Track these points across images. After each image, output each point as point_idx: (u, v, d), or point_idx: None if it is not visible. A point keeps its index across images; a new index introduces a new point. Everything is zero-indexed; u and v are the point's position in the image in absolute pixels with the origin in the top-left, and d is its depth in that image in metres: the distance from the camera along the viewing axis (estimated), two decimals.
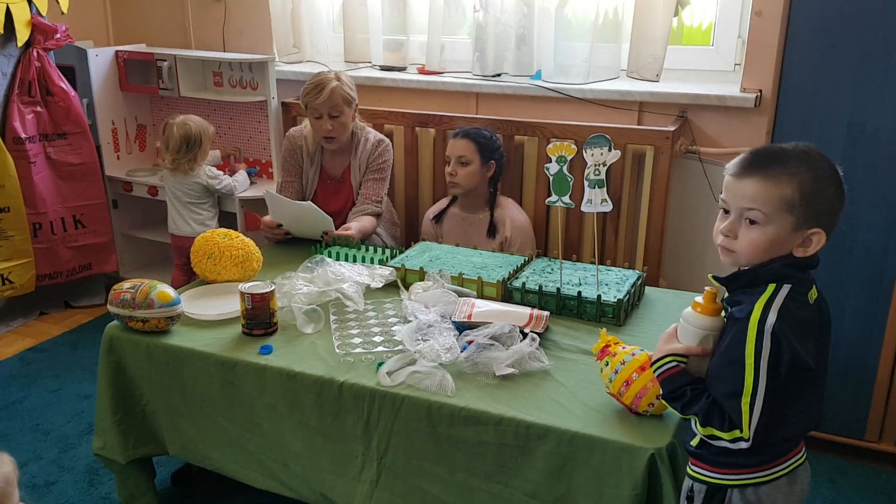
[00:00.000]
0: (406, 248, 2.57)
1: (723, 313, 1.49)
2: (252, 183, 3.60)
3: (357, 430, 1.83)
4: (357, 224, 2.78)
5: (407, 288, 2.27)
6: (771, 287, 1.41)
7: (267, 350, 1.96)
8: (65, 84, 3.47)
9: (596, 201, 2.16)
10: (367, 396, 1.80)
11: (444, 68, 3.42)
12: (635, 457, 1.55)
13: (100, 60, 3.69)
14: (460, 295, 2.16)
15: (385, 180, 3.02)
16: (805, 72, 2.38)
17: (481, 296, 2.21)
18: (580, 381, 1.80)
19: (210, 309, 2.16)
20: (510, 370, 1.82)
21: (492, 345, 1.88)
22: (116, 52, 3.75)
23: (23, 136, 3.36)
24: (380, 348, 1.95)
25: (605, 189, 2.15)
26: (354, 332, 2.03)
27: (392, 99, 3.50)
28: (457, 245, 2.62)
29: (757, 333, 1.36)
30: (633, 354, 1.65)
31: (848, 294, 2.48)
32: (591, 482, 1.61)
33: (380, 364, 1.86)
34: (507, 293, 2.22)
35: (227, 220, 3.48)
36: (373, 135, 3.03)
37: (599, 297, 2.11)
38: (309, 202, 2.68)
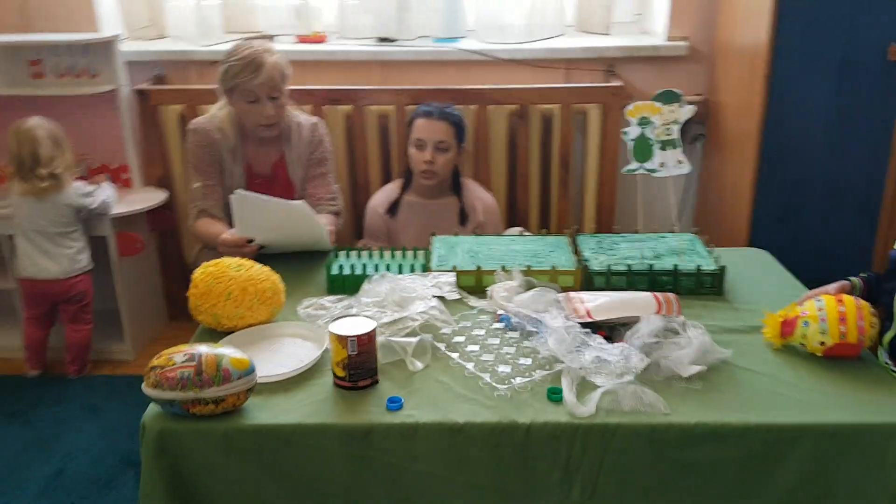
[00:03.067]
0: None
1: None
2: None
3: (552, 479, 1.48)
4: (327, 219, 2.32)
5: (475, 294, 1.93)
6: None
7: (397, 404, 1.51)
8: None
9: (670, 164, 1.98)
10: (566, 435, 1.46)
11: (336, 34, 2.99)
12: None
13: None
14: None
15: (332, 171, 2.55)
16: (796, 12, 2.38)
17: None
18: (767, 364, 1.63)
19: (274, 367, 1.62)
20: (697, 368, 1.59)
21: (657, 342, 1.64)
22: None
23: None
24: (538, 372, 1.60)
25: (679, 149, 1.98)
26: (487, 359, 1.65)
27: None
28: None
29: None
30: (819, 300, 1.59)
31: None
32: (854, 475, 1.45)
33: (552, 391, 1.52)
34: (586, 279, 1.97)
35: (94, 248, 2.74)
36: (303, 118, 2.54)
37: (699, 267, 1.94)
38: (302, 202, 2.07)
